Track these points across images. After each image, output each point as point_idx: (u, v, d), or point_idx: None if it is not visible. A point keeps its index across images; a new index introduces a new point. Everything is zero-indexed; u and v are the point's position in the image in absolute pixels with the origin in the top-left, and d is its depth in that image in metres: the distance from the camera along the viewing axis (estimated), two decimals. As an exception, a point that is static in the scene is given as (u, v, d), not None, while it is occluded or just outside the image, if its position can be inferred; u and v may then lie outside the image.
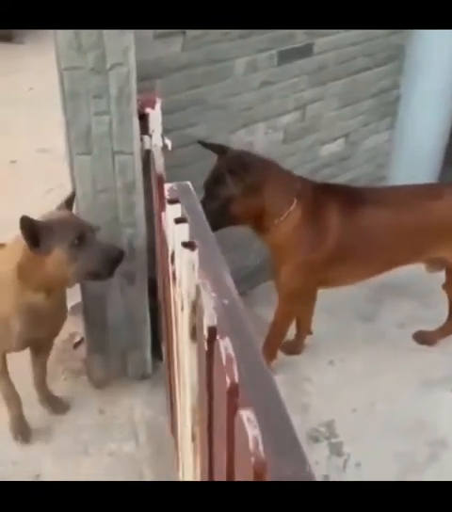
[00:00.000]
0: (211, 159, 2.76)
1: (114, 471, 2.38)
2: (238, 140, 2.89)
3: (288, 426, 1.10)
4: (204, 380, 1.28)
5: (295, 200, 2.45)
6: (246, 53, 2.74)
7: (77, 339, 2.98)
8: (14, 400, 2.50)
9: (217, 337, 1.14)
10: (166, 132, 2.35)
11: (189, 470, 1.75)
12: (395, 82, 3.60)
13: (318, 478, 1.08)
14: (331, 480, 2.33)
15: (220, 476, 1.15)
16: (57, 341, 2.91)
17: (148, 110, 2.29)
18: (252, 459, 0.88)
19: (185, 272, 1.40)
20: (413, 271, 2.87)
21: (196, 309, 1.36)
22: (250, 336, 1.30)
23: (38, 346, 2.52)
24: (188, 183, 1.98)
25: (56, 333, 2.49)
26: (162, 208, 1.86)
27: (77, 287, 2.55)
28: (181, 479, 2.06)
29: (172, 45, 2.46)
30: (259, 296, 3.19)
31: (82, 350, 2.85)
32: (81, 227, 2.13)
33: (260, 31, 2.71)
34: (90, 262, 2.12)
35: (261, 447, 0.89)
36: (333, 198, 2.53)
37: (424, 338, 3.05)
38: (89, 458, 2.44)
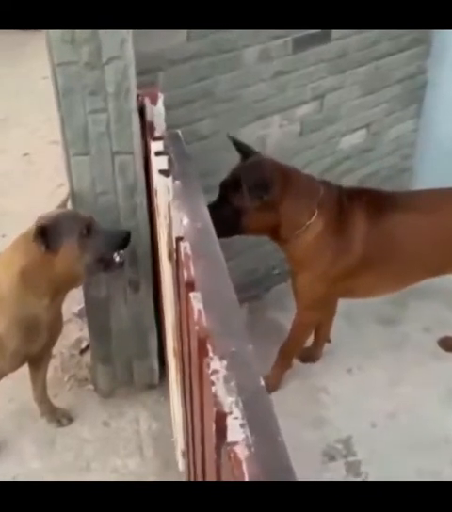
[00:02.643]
0: (219, 156, 2.60)
1: (117, 489, 2.26)
2: (250, 134, 2.72)
3: (236, 311, 1.27)
4: (176, 288, 1.52)
5: (316, 211, 2.27)
6: (257, 41, 2.55)
7: (84, 345, 2.86)
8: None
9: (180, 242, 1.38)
10: (170, 128, 2.18)
11: (173, 384, 1.96)
12: (422, 67, 3.37)
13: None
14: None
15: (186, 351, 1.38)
16: (63, 347, 2.82)
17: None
18: (196, 328, 1.10)
19: (161, 196, 1.63)
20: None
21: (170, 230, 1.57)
22: (219, 253, 1.48)
23: (34, 361, 2.38)
24: (178, 131, 2.16)
25: (52, 344, 2.36)
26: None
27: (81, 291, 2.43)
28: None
29: (176, 35, 2.29)
30: (272, 299, 3.04)
31: (89, 356, 2.73)
32: (86, 217, 2.08)
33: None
34: (101, 247, 2.07)
35: (204, 318, 1.11)
36: (360, 204, 2.35)
37: (451, 344, 2.85)
38: (91, 475, 2.31)
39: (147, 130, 2.09)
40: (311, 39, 2.72)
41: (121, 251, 2.12)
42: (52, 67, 1.99)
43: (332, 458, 2.39)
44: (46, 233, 1.97)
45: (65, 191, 2.24)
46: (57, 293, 2.12)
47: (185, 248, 1.33)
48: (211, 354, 1.04)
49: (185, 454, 1.91)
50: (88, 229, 2.04)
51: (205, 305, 1.15)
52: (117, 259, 2.12)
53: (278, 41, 2.62)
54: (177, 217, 1.51)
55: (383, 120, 3.35)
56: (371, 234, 2.32)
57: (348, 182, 3.32)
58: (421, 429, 2.47)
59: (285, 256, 2.46)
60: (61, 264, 2.01)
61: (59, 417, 2.53)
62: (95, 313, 2.44)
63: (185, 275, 1.25)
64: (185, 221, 1.52)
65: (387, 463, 2.33)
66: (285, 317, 2.60)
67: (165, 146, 1.87)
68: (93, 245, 2.05)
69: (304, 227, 2.27)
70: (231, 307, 1.25)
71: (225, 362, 1.01)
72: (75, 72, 1.98)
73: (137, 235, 2.26)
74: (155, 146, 1.85)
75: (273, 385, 2.58)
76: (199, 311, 1.13)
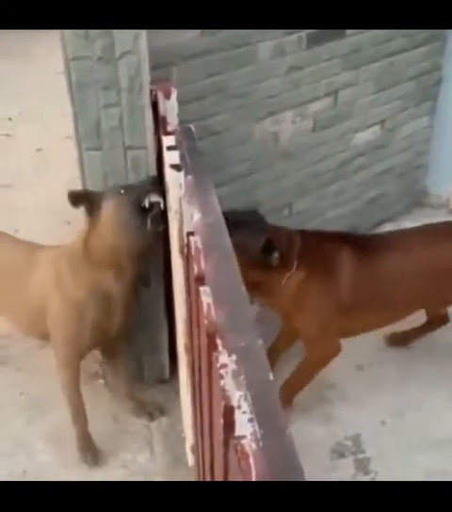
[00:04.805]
0: (231, 152, 2.60)
1: (127, 483, 2.27)
2: (263, 130, 2.72)
3: (245, 306, 1.24)
4: (187, 282, 1.51)
5: (295, 262, 2.26)
6: (271, 36, 2.54)
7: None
8: (82, 417, 2.35)
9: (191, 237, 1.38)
10: (183, 123, 2.18)
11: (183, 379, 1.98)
12: (436, 63, 3.35)
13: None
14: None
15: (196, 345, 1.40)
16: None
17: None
18: (206, 322, 1.09)
19: (172, 190, 1.63)
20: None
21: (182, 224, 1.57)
22: (229, 247, 1.45)
23: (109, 346, 2.40)
24: (191, 125, 2.15)
25: (126, 324, 2.31)
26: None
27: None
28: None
29: (190, 30, 2.28)
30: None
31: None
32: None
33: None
34: (134, 199, 2.04)
35: (213, 312, 1.11)
36: (343, 247, 2.33)
37: (396, 339, 2.84)
38: (101, 470, 2.32)
39: (160, 125, 2.10)
40: (325, 34, 2.71)
41: (154, 195, 2.06)
42: (65, 62, 1.99)
43: (341, 455, 2.38)
44: (88, 197, 2.05)
45: (78, 187, 2.24)
46: (119, 265, 2.11)
47: (195, 242, 1.34)
48: (220, 348, 1.04)
49: (194, 449, 1.91)
50: (127, 189, 2.06)
51: (215, 299, 1.15)
52: (153, 200, 2.05)
53: (292, 37, 2.61)
54: (188, 212, 1.51)
55: (397, 117, 3.33)
56: (359, 277, 2.31)
57: (362, 178, 3.31)
58: (431, 428, 2.46)
59: (275, 312, 2.47)
60: (105, 228, 2.05)
61: (151, 410, 2.52)
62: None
63: (196, 269, 1.26)
64: (197, 216, 1.52)
65: (396, 461, 2.32)
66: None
67: (177, 141, 1.87)
68: (123, 200, 2.05)
69: (285, 278, 2.26)
70: (241, 301, 1.25)
71: (234, 357, 1.01)
72: (89, 66, 1.98)
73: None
74: (167, 140, 1.85)
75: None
76: (208, 305, 1.13)
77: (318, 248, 2.32)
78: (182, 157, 1.79)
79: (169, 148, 1.79)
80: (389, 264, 2.36)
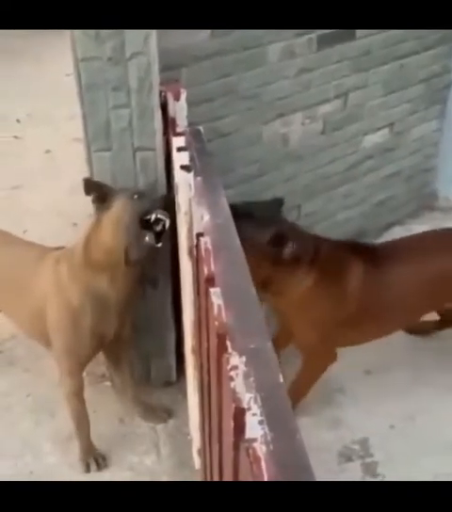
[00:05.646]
0: (240, 154, 2.59)
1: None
2: (272, 132, 2.71)
3: (255, 307, 1.24)
4: (196, 283, 1.51)
5: (307, 266, 2.23)
6: (281, 38, 2.53)
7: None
8: (85, 427, 2.33)
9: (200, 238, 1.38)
10: (192, 125, 2.18)
11: (191, 382, 1.97)
12: (447, 66, 3.34)
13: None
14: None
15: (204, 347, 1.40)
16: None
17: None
18: (216, 323, 1.08)
19: (181, 192, 1.63)
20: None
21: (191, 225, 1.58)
22: (239, 248, 1.45)
23: (111, 351, 2.39)
24: (200, 127, 2.17)
25: (126, 329, 2.31)
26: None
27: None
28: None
29: (200, 31, 2.27)
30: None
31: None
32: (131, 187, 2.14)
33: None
34: (139, 208, 2.04)
35: (224, 313, 1.10)
36: (352, 256, 2.31)
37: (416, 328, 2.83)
38: (107, 472, 2.31)
39: (169, 126, 2.09)
40: (335, 36, 2.70)
41: (161, 213, 2.04)
42: (75, 62, 1.99)
43: (349, 459, 2.36)
44: (101, 190, 2.06)
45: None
46: (115, 268, 2.08)
47: (205, 243, 1.34)
48: (230, 350, 1.04)
49: (202, 451, 1.90)
50: (140, 195, 2.06)
51: (225, 301, 1.14)
52: (159, 216, 2.04)
53: (302, 39, 2.60)
54: (198, 213, 1.50)
55: (406, 120, 3.31)
56: (368, 290, 2.29)
57: (371, 180, 3.30)
58: (440, 432, 2.44)
59: (276, 312, 2.45)
60: (108, 225, 2.04)
61: (159, 414, 2.51)
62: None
63: (206, 270, 1.25)
64: (206, 217, 1.51)
65: (404, 466, 2.29)
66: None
67: (187, 142, 1.87)
68: (134, 205, 2.04)
69: (294, 278, 2.23)
70: (251, 302, 1.24)
71: (244, 358, 1.01)
72: (99, 67, 1.98)
73: (157, 232, 2.26)
74: (177, 142, 1.85)
75: None
76: (219, 306, 1.12)
77: (329, 257, 2.29)
78: (191, 158, 1.78)
79: (180, 149, 1.78)
80: (398, 274, 2.35)
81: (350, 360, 2.64)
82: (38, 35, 5.69)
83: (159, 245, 2.05)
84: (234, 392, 0.95)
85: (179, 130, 2.02)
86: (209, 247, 1.32)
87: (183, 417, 2.48)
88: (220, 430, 1.17)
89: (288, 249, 2.15)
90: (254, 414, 0.93)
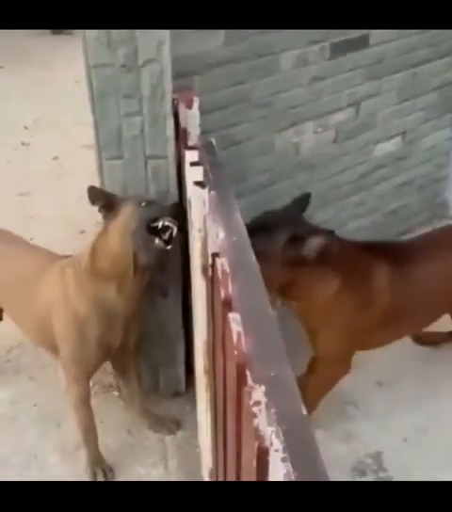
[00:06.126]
0: (252, 162, 2.56)
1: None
2: (285, 141, 2.67)
3: (275, 334, 1.17)
4: (210, 306, 1.45)
5: (331, 270, 2.14)
6: (295, 45, 2.50)
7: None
8: (93, 436, 2.30)
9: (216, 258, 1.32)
10: (205, 133, 2.14)
11: (201, 398, 1.90)
12: (460, 75, 3.29)
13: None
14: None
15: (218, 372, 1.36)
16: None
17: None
18: (235, 352, 1.05)
19: (195, 208, 1.58)
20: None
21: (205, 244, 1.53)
22: (255, 266, 1.40)
23: (118, 361, 2.36)
24: (212, 139, 2.12)
25: (133, 339, 2.28)
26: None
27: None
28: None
29: (213, 38, 2.25)
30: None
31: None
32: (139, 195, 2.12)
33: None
34: (146, 215, 2.01)
35: (243, 341, 1.06)
36: (379, 257, 2.24)
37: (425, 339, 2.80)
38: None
39: (181, 135, 2.06)
40: (348, 44, 2.67)
41: (169, 220, 2.01)
42: (87, 69, 1.96)
43: (362, 473, 2.32)
44: (106, 198, 2.04)
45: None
46: (122, 276, 2.04)
47: (222, 265, 1.28)
48: (251, 382, 0.99)
49: (214, 474, 1.84)
50: (148, 203, 2.03)
51: (244, 326, 1.09)
52: (167, 223, 2.00)
53: (315, 47, 2.57)
54: (213, 231, 1.44)
55: (419, 129, 3.28)
56: (394, 287, 2.22)
57: (383, 190, 3.26)
58: (454, 445, 2.40)
59: (299, 317, 2.33)
60: (115, 232, 2.01)
61: (168, 424, 2.48)
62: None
63: (223, 293, 1.20)
64: (221, 235, 1.45)
65: (418, 479, 2.24)
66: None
67: (200, 157, 1.82)
68: (141, 212, 2.01)
69: (319, 286, 2.15)
70: (269, 326, 1.19)
71: (263, 388, 0.96)
72: (111, 74, 1.95)
73: (168, 241, 2.22)
74: (190, 156, 1.79)
75: None
76: (238, 333, 1.07)
77: (354, 259, 2.20)
78: (205, 173, 1.74)
79: (193, 164, 1.73)
80: (424, 272, 2.30)
81: (361, 371, 2.60)
82: (47, 40, 5.69)
83: (169, 247, 2.01)
84: (256, 429, 0.90)
85: (191, 142, 1.98)
86: (226, 269, 1.26)
87: (191, 429, 2.43)
88: (238, 463, 1.12)
89: (310, 245, 2.03)
90: (276, 450, 0.87)
